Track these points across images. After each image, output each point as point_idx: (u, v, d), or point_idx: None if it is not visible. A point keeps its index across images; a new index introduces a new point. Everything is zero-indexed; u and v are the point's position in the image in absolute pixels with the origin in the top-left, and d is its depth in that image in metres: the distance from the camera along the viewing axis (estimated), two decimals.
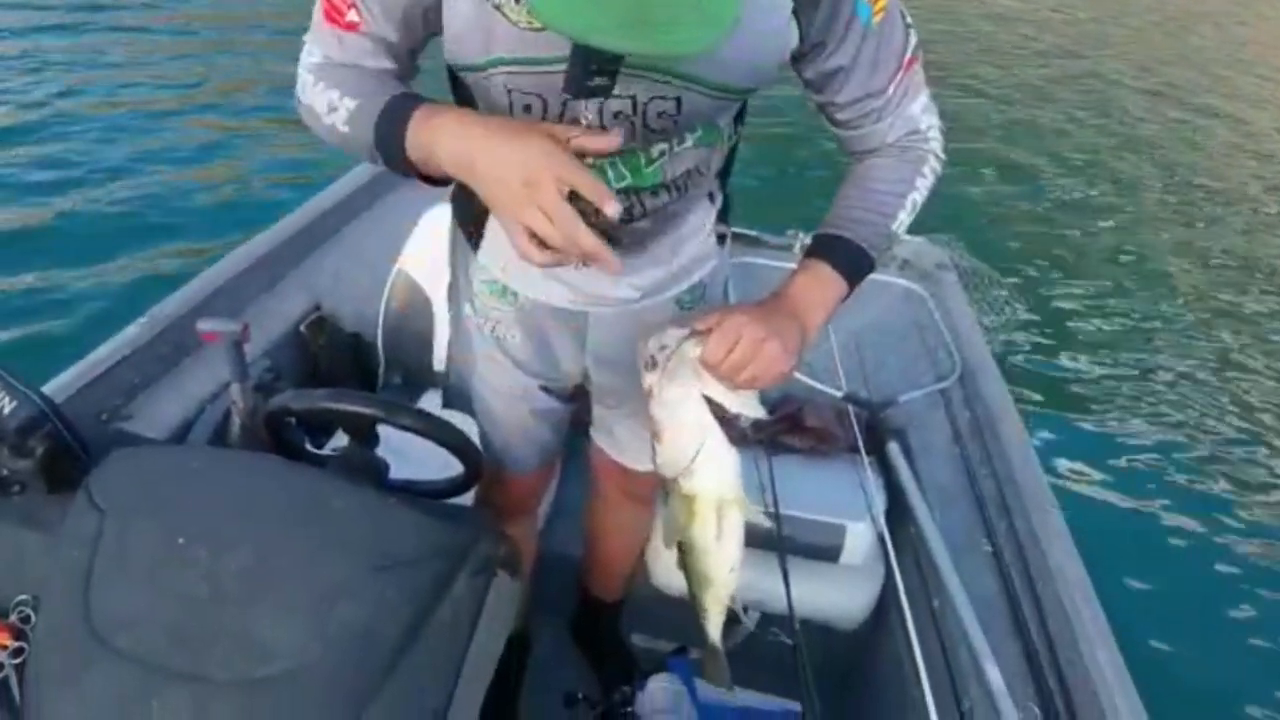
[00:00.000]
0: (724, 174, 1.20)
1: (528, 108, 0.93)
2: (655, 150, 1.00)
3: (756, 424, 1.92)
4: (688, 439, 0.96)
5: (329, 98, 0.94)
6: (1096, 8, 12.15)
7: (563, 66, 0.77)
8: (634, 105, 0.92)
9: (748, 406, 0.97)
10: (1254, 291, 5.38)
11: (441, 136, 0.86)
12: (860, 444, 1.86)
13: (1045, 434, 3.67)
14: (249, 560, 0.92)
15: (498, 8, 0.85)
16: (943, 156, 1.06)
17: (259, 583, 0.90)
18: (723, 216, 1.24)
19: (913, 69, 1.00)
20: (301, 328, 2.03)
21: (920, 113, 1.03)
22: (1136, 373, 4.40)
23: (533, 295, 1.20)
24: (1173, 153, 7.64)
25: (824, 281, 1.01)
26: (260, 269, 2.07)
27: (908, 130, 1.03)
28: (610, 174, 1.00)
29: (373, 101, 0.90)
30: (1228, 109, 8.83)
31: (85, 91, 5.72)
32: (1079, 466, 3.58)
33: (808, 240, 2.72)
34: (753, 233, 2.50)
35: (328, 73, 0.96)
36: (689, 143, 1.02)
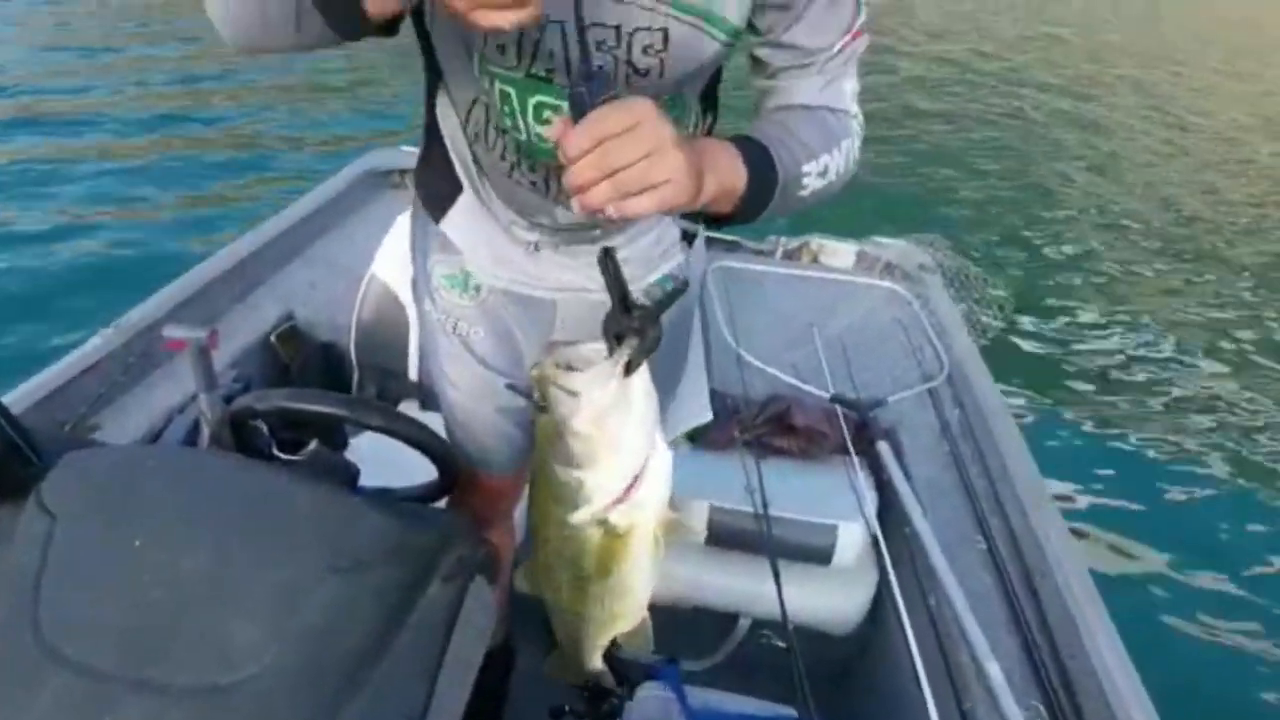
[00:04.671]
0: None
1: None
2: None
3: (744, 425, 1.92)
4: (630, 455, 0.73)
5: None
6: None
7: None
8: (618, 34, 0.87)
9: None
10: (1249, 284, 5.43)
11: None
12: (849, 444, 1.82)
13: (1039, 430, 3.63)
14: (208, 562, 0.87)
15: None
16: (858, 155, 0.97)
17: (219, 585, 0.85)
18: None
19: (859, 40, 0.94)
20: (273, 338, 1.98)
21: (851, 97, 0.96)
22: (1129, 366, 4.41)
23: (498, 284, 1.17)
24: (1163, 146, 7.73)
25: (732, 156, 0.83)
26: (231, 279, 2.02)
27: (837, 105, 0.95)
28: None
29: None
30: (1227, 87, 8.90)
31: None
32: (1075, 461, 3.54)
33: (791, 244, 2.73)
34: (731, 237, 2.49)
35: None
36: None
